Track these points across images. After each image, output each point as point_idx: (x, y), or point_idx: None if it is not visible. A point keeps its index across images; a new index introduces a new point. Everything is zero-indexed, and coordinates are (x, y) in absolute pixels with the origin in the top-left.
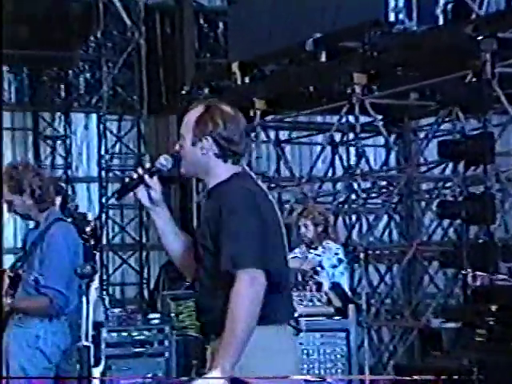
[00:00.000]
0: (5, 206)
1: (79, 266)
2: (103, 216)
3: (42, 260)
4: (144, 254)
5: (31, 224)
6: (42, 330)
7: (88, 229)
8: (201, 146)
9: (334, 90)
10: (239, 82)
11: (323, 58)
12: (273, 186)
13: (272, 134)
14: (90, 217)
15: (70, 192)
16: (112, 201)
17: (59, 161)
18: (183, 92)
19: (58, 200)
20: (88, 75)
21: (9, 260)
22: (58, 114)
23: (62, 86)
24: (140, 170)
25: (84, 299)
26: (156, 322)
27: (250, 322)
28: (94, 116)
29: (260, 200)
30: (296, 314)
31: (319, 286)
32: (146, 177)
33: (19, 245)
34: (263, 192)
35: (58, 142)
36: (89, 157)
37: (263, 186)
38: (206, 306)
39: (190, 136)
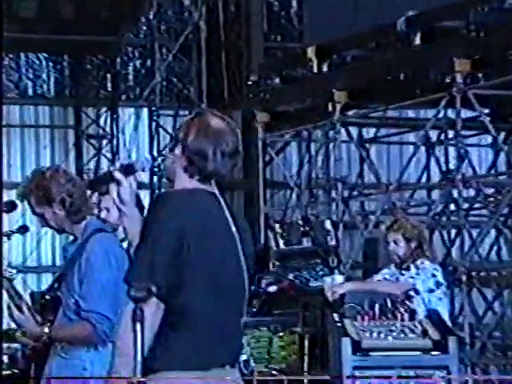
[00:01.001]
0: (37, 220)
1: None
2: None
3: (81, 279)
4: None
5: (70, 237)
6: (89, 361)
7: None
8: (174, 153)
9: (431, 79)
10: (315, 71)
11: (417, 41)
12: (355, 194)
13: (354, 132)
14: None
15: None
16: None
17: (105, 164)
18: (249, 82)
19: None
20: (138, 63)
21: (47, 280)
22: (104, 109)
23: (109, 76)
24: (117, 165)
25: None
26: None
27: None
28: (144, 111)
29: (202, 214)
30: (244, 357)
31: (412, 314)
32: (117, 173)
33: (59, 262)
34: (213, 216)
35: (104, 141)
36: (139, 159)
37: (224, 211)
38: None
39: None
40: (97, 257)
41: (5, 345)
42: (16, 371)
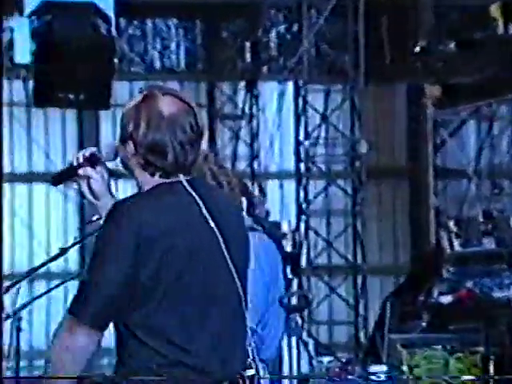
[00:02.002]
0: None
1: (285, 294)
2: (302, 226)
3: None
4: (359, 280)
5: None
6: None
7: (283, 243)
8: (126, 148)
9: None
10: (501, 32)
11: None
12: None
13: None
14: (286, 227)
15: (256, 192)
16: (314, 205)
17: (242, 149)
18: (416, 50)
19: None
20: (282, 29)
21: None
22: (242, 84)
23: (247, 45)
24: (80, 158)
25: (285, 340)
26: (381, 377)
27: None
28: (289, 86)
29: (170, 212)
30: (251, 372)
31: None
32: (82, 170)
33: None
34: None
35: (242, 122)
36: (282, 143)
37: (197, 202)
38: None
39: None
40: None
41: None
42: None
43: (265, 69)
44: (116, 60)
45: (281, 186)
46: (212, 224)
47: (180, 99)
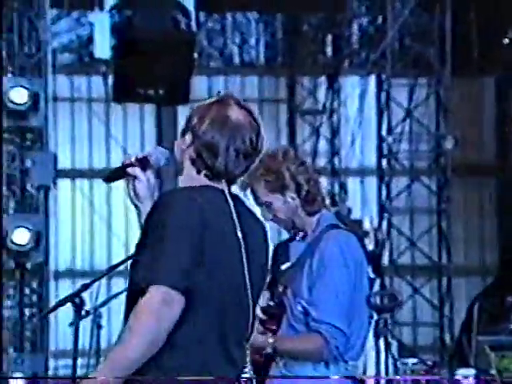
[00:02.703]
0: (259, 212)
1: (374, 293)
2: (384, 224)
3: (312, 284)
4: (444, 280)
5: (283, 234)
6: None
7: (365, 242)
8: (183, 140)
9: None
10: None
11: None
12: None
13: None
14: (368, 225)
15: (337, 189)
16: (397, 203)
17: (323, 145)
18: (505, 42)
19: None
20: (365, 21)
21: None
22: (322, 78)
23: (329, 39)
24: (133, 159)
25: (371, 340)
26: (469, 380)
27: (149, 347)
28: (372, 80)
29: (210, 215)
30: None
31: None
32: (131, 169)
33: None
34: (225, 211)
35: (322, 118)
36: (364, 139)
37: (231, 208)
38: None
39: (184, 123)
40: (332, 258)
41: None
42: None
43: (346, 63)
44: (195, 55)
45: (362, 183)
46: (240, 236)
47: (250, 114)
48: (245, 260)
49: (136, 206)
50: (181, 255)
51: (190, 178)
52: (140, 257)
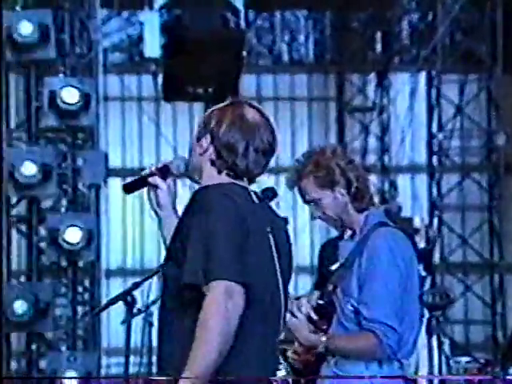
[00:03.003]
0: (307, 210)
1: (426, 291)
2: (435, 221)
3: (362, 282)
4: (496, 277)
5: (332, 232)
6: (368, 380)
7: (416, 240)
8: (201, 144)
9: None
10: None
11: None
12: None
13: None
14: (418, 223)
15: (387, 187)
16: (448, 200)
17: (372, 142)
18: None
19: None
20: (415, 17)
21: (305, 283)
22: (372, 75)
23: (379, 35)
24: (153, 168)
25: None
26: None
27: (225, 341)
28: (422, 77)
29: (245, 211)
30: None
31: None
32: (152, 179)
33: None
34: (254, 209)
35: (372, 115)
36: (414, 136)
37: (258, 207)
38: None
39: (198, 129)
40: (382, 256)
41: None
42: None
43: (396, 59)
44: (244, 53)
45: (413, 181)
46: (269, 233)
47: (262, 115)
48: (275, 256)
49: (157, 214)
50: (233, 250)
51: (211, 178)
52: (189, 253)
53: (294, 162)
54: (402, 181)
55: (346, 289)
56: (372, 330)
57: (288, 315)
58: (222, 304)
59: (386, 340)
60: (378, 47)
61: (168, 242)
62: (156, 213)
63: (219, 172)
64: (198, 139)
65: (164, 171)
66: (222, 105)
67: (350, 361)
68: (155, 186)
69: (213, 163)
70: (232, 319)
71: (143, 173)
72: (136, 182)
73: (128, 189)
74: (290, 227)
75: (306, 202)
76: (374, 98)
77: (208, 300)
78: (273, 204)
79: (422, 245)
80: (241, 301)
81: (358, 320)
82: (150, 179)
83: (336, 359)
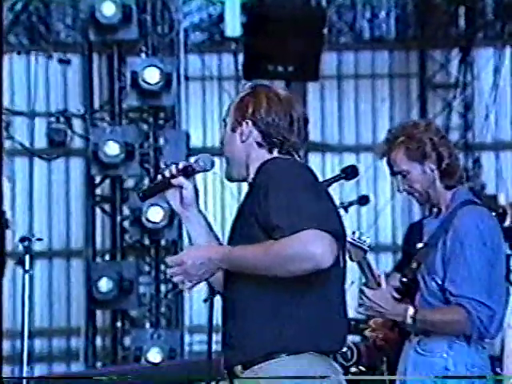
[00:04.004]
0: (400, 182)
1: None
2: None
3: (448, 259)
4: None
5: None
6: (451, 360)
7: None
8: (240, 132)
9: None
10: None
11: None
12: None
13: None
14: (503, 200)
15: (470, 165)
16: None
17: (455, 119)
18: None
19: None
20: None
21: (387, 260)
22: (455, 51)
23: (462, 10)
24: (174, 169)
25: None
26: None
27: (288, 267)
28: (507, 52)
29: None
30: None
31: None
32: (176, 180)
33: (399, 241)
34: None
35: (455, 92)
36: (499, 113)
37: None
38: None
39: (230, 121)
40: (469, 233)
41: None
42: (362, 368)
43: (480, 35)
44: (325, 30)
45: (497, 158)
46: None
47: (286, 94)
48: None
49: (180, 214)
50: (319, 203)
51: (263, 158)
52: (273, 212)
53: (387, 132)
54: (486, 158)
55: (431, 266)
56: (461, 303)
57: (366, 289)
58: (307, 237)
59: (476, 313)
60: (462, 22)
61: (194, 241)
62: (179, 213)
63: (270, 151)
64: (233, 130)
65: (187, 171)
66: (245, 92)
67: (432, 339)
68: (180, 187)
69: (260, 145)
70: (311, 247)
71: (162, 175)
72: (156, 186)
73: (146, 196)
74: (370, 205)
75: (393, 173)
76: (456, 75)
77: (298, 234)
78: (353, 182)
79: (507, 223)
80: (329, 245)
81: (444, 297)
82: (174, 181)
83: (419, 338)
